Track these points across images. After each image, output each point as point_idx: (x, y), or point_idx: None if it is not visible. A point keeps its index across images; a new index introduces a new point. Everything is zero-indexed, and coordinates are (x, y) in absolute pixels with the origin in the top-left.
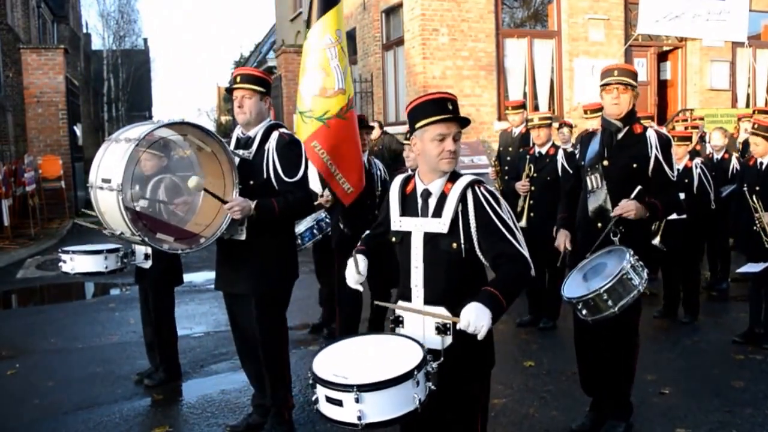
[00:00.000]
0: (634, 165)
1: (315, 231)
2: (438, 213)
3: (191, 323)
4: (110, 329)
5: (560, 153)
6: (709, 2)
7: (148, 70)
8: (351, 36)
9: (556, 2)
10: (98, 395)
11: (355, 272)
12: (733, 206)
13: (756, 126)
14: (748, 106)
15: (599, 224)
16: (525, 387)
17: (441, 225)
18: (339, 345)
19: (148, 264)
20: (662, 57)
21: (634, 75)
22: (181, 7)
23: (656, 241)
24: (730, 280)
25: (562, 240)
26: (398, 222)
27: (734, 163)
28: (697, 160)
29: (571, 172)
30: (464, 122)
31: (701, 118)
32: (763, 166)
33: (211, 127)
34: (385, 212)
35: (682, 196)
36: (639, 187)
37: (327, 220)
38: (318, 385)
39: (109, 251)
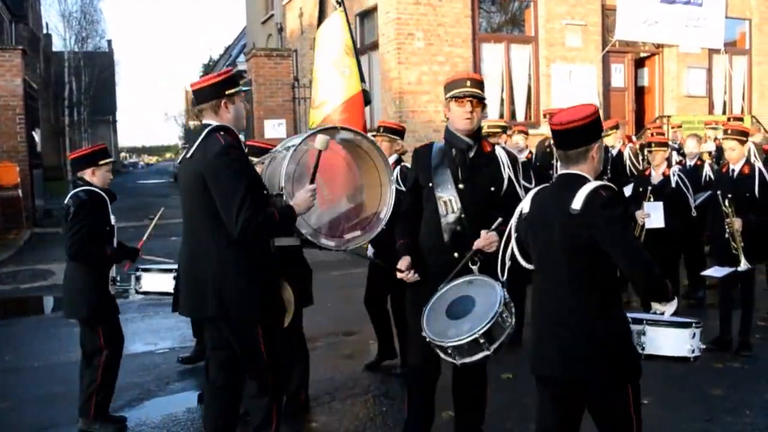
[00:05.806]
0: (492, 188)
1: None
2: None
3: (155, 338)
4: (69, 346)
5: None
6: (686, 9)
7: (112, 73)
8: None
9: (533, 7)
10: (56, 416)
11: None
12: (709, 214)
13: (729, 131)
14: (724, 113)
15: (456, 253)
16: (504, 400)
17: None
18: None
19: None
20: (639, 63)
21: (483, 87)
22: (148, 8)
23: None
24: (706, 288)
25: (404, 266)
26: None
27: (707, 171)
28: (675, 168)
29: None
30: None
31: (679, 126)
32: (735, 174)
33: (179, 132)
34: None
35: (660, 204)
36: (500, 219)
37: None
38: None
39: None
